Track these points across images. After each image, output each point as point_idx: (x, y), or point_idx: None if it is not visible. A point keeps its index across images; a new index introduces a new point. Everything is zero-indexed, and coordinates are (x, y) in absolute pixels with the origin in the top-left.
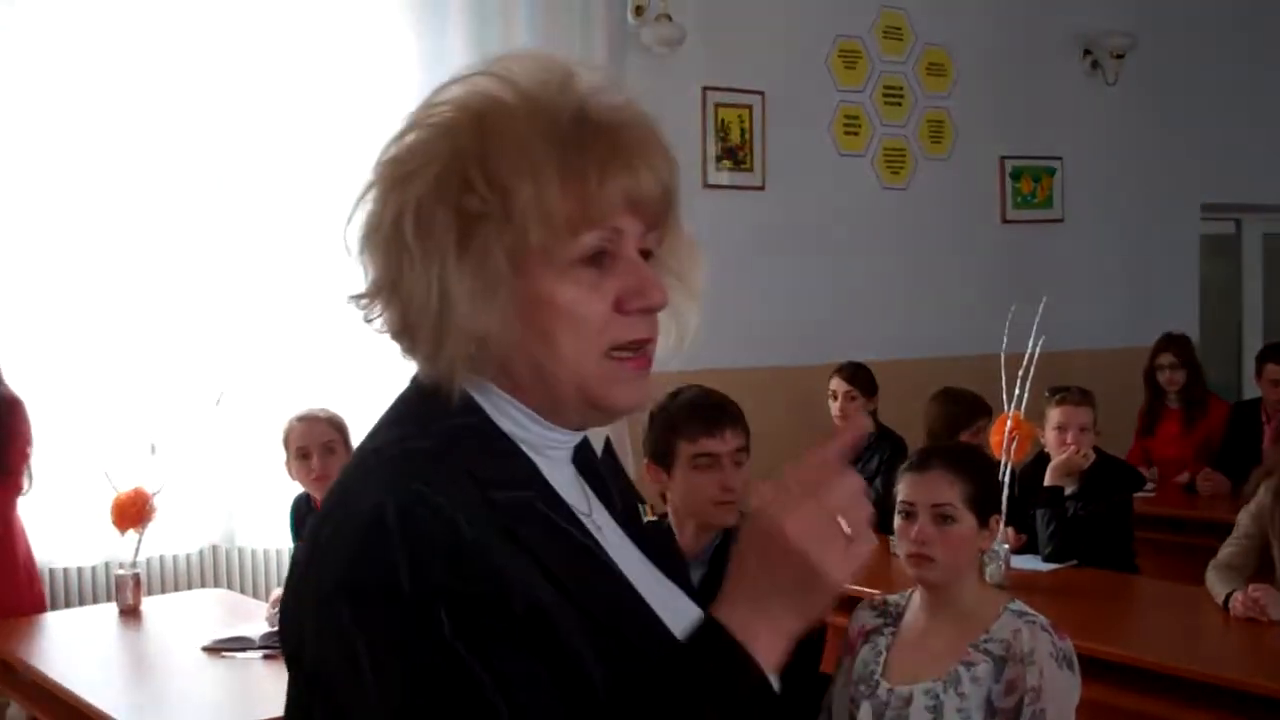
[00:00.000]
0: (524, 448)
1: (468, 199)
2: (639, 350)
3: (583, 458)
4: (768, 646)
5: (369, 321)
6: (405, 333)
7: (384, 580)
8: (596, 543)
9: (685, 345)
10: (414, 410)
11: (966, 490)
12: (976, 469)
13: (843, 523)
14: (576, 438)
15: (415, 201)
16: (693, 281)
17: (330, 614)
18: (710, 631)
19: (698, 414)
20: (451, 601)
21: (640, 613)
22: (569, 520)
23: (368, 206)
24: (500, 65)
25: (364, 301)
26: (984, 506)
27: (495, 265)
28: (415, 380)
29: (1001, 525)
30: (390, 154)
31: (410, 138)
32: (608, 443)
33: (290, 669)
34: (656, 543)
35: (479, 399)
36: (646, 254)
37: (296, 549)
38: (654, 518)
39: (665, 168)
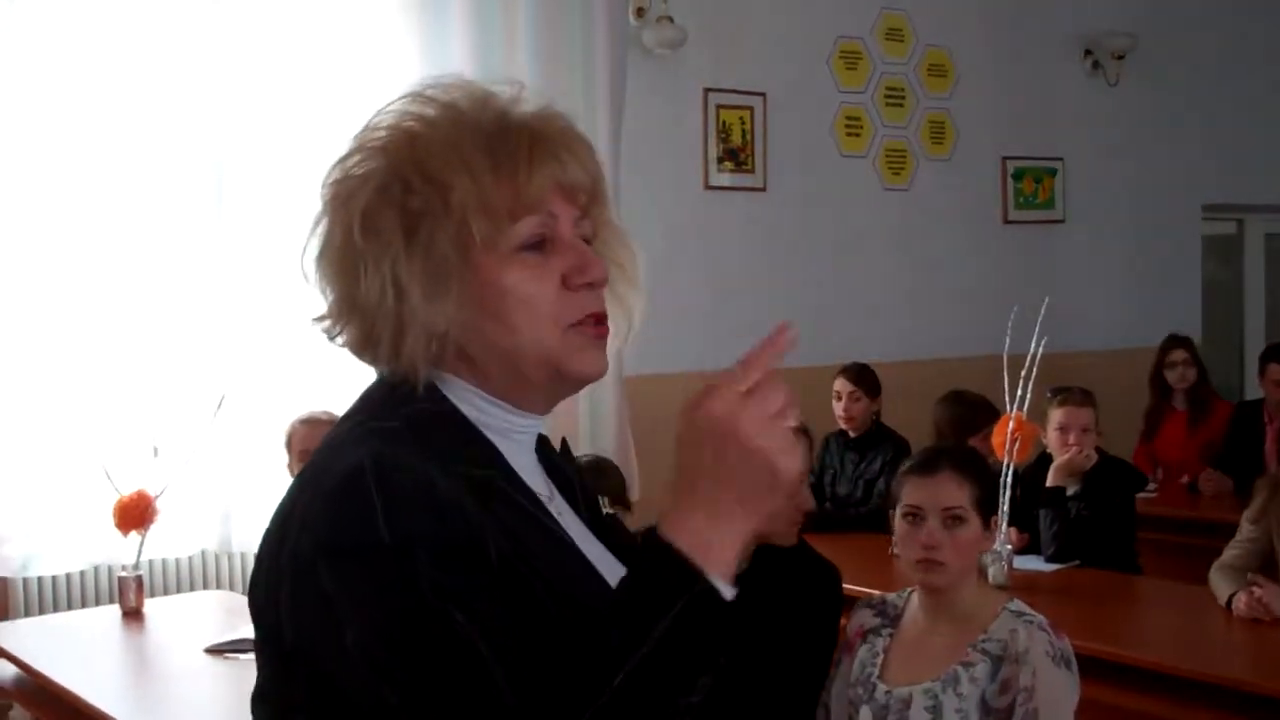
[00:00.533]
0: (486, 433)
1: (409, 199)
2: (597, 322)
3: (544, 452)
4: (720, 554)
5: (332, 340)
6: (368, 343)
7: (361, 535)
8: (556, 522)
9: (636, 330)
10: (379, 400)
11: (975, 492)
12: (981, 470)
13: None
14: (540, 424)
15: (360, 212)
16: (632, 270)
17: (309, 580)
18: (654, 546)
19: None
20: (430, 547)
21: (591, 579)
22: (530, 500)
23: (318, 234)
24: (420, 88)
25: (327, 322)
26: (988, 508)
27: (443, 255)
28: (379, 376)
29: (1003, 526)
30: (333, 178)
31: (350, 160)
32: (564, 443)
33: (266, 649)
34: (614, 533)
35: (442, 388)
36: (586, 242)
37: (267, 530)
38: (610, 511)
39: (588, 156)
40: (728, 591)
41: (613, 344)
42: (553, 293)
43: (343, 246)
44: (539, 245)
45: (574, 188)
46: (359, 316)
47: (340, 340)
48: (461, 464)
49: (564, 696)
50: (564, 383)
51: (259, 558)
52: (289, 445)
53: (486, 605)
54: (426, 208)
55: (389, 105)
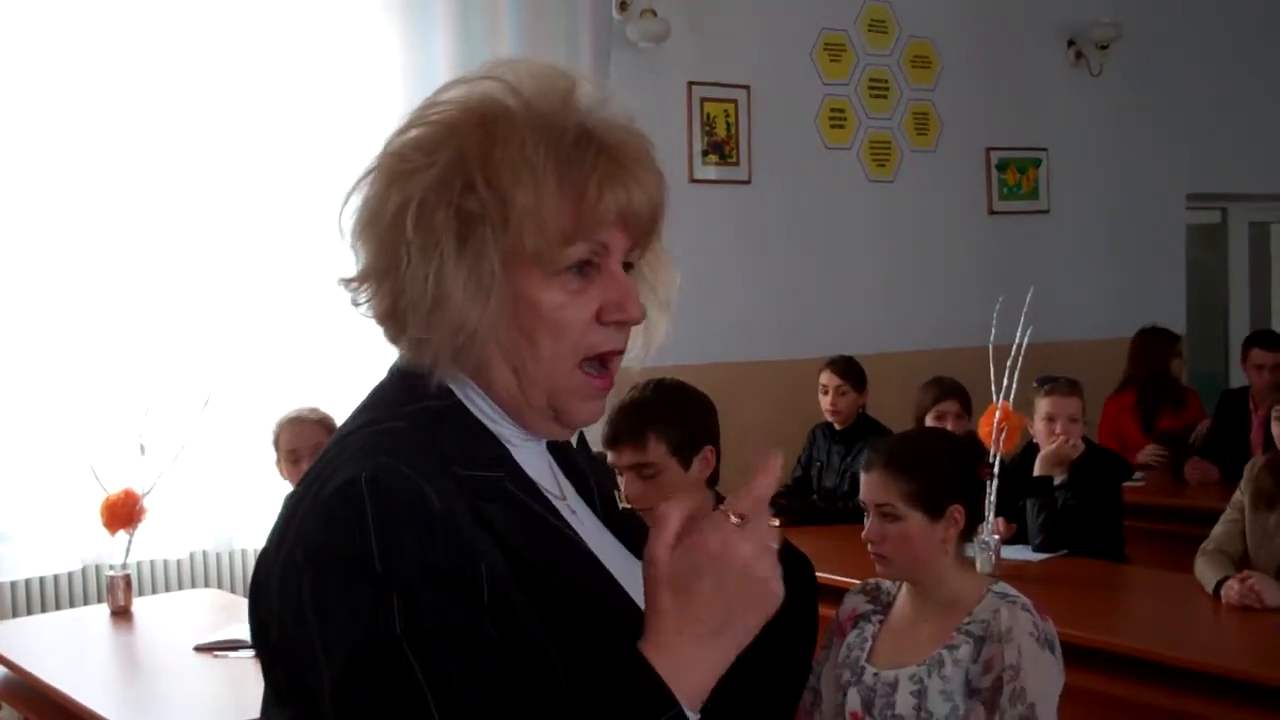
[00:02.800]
0: (493, 430)
1: (468, 199)
2: (605, 367)
3: (557, 447)
4: (697, 681)
5: (356, 305)
6: (393, 319)
7: (350, 553)
8: (566, 523)
9: (650, 353)
10: (388, 396)
11: (905, 488)
12: (919, 464)
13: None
14: (535, 441)
15: (418, 197)
16: (665, 292)
17: (295, 586)
18: (633, 663)
19: (606, 426)
20: (417, 578)
21: (606, 588)
22: (539, 502)
23: (365, 193)
24: (504, 70)
25: (354, 285)
26: (932, 500)
27: (490, 266)
28: (392, 369)
29: (991, 515)
30: (394, 148)
31: (413, 133)
32: (581, 437)
33: (256, 643)
34: (631, 530)
35: (453, 387)
36: (628, 266)
37: (274, 524)
38: (628, 506)
39: (657, 187)
40: (693, 719)
41: (629, 355)
42: (584, 322)
43: (390, 224)
44: (582, 268)
45: (635, 218)
46: (390, 291)
47: (364, 308)
48: (468, 466)
49: None
50: (556, 421)
51: (261, 552)
52: (276, 444)
53: (452, 657)
54: (484, 213)
55: (467, 77)
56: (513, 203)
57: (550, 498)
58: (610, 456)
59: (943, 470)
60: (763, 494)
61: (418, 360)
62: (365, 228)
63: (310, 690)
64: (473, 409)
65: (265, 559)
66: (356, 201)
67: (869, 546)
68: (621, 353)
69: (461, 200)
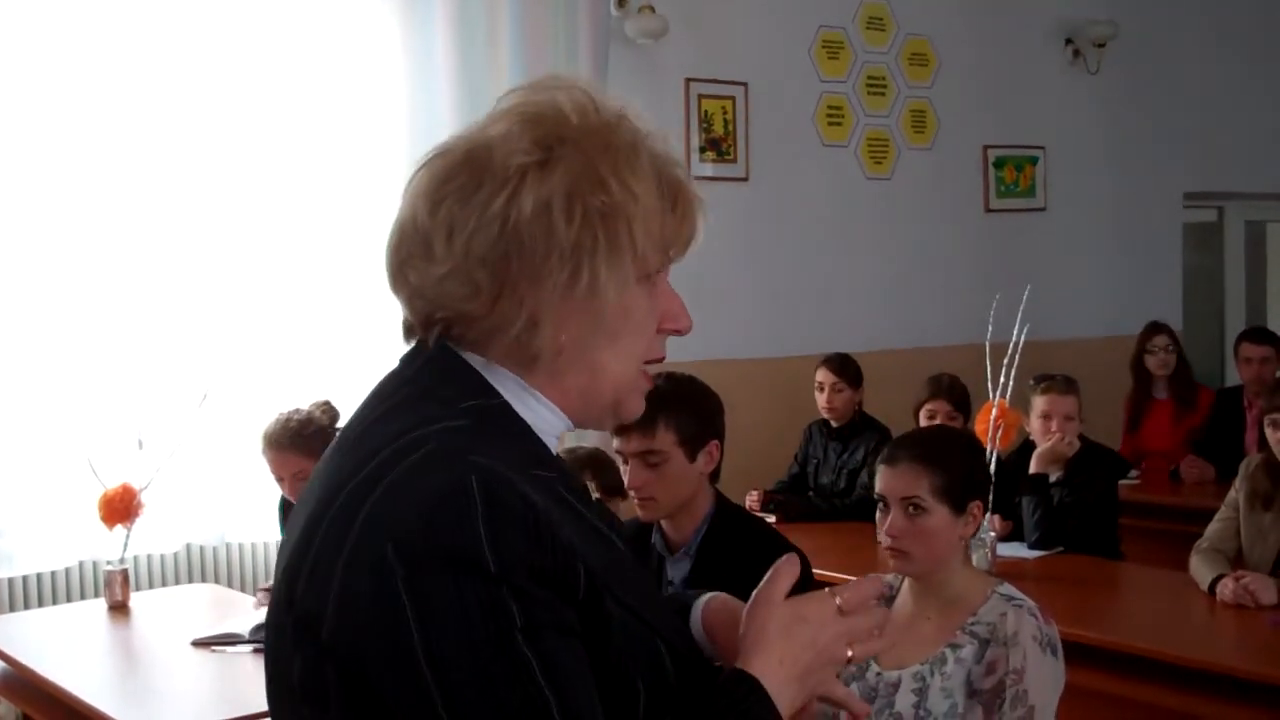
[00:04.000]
0: (537, 433)
1: (597, 197)
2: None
3: None
4: (784, 711)
5: (441, 300)
6: (478, 320)
7: (463, 553)
8: (601, 522)
9: None
10: (435, 392)
11: (936, 481)
12: (948, 458)
13: (849, 649)
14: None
15: (564, 193)
16: None
17: (379, 581)
18: (747, 683)
19: None
20: (526, 579)
21: (650, 590)
22: (583, 503)
23: (486, 204)
24: (585, 88)
25: (484, 306)
26: (958, 494)
27: (625, 263)
28: (432, 358)
29: (988, 511)
30: (521, 145)
31: (529, 137)
32: None
33: (299, 638)
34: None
35: (494, 383)
36: None
37: (315, 517)
38: (597, 496)
39: (703, 226)
40: None
41: None
42: (653, 330)
43: (530, 221)
44: (647, 279)
45: (692, 246)
46: (526, 300)
47: (468, 306)
48: (531, 465)
49: None
50: (613, 414)
51: (302, 546)
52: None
53: (564, 653)
54: (613, 211)
55: (528, 86)
56: (639, 202)
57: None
58: (616, 443)
59: (967, 465)
60: (867, 596)
61: (528, 353)
62: (504, 229)
63: (375, 689)
64: (519, 408)
65: (316, 556)
66: (466, 218)
67: (888, 541)
68: (663, 359)
69: (591, 198)
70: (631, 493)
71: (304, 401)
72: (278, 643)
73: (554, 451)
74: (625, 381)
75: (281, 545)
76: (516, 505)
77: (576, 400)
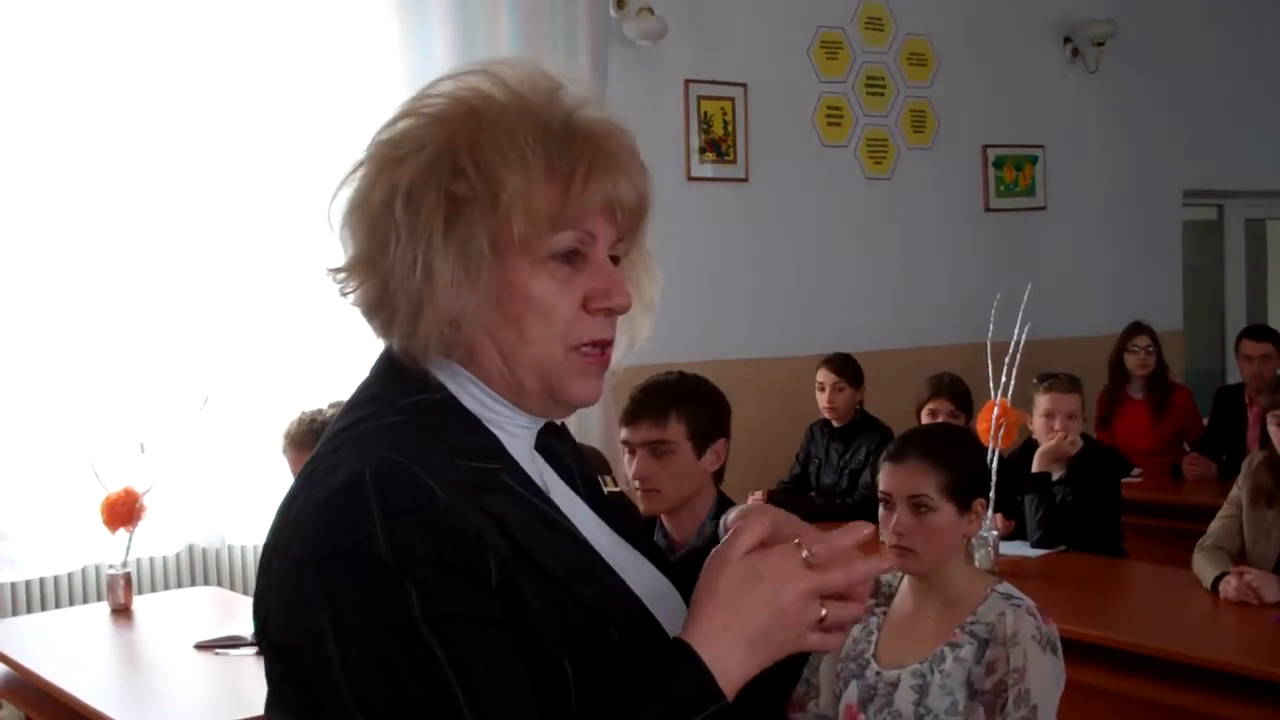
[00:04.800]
0: (487, 424)
1: (457, 184)
2: (602, 351)
3: (541, 440)
4: (737, 676)
5: (344, 295)
6: (381, 308)
7: (357, 547)
8: (561, 514)
9: (634, 350)
10: (380, 390)
11: (942, 479)
12: (954, 456)
13: (823, 607)
14: (539, 423)
15: (406, 182)
16: (649, 293)
17: (297, 582)
18: (682, 654)
19: (629, 402)
20: (427, 569)
21: (602, 573)
22: (533, 492)
23: (355, 184)
24: (492, 66)
25: (342, 275)
26: (963, 492)
27: (478, 249)
28: (380, 363)
29: (990, 510)
30: (383, 137)
31: (403, 124)
32: (562, 427)
33: (260, 641)
34: (619, 514)
35: (443, 378)
36: (614, 260)
37: (272, 524)
38: (615, 489)
39: (643, 180)
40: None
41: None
42: (571, 310)
43: (379, 210)
44: (570, 258)
45: (622, 209)
46: (378, 280)
47: (352, 298)
48: (467, 457)
49: None
50: (556, 402)
51: (263, 548)
52: (283, 450)
53: (471, 640)
54: (473, 197)
55: (454, 73)
56: (501, 185)
57: (541, 488)
58: (624, 433)
59: (970, 463)
60: (841, 548)
61: (408, 351)
62: (353, 215)
63: (314, 687)
64: (466, 400)
65: (265, 557)
66: (346, 193)
67: (894, 540)
68: (610, 343)
69: (450, 184)
70: (635, 484)
71: (306, 404)
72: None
73: (529, 444)
74: (548, 364)
75: None
76: (413, 497)
77: (505, 387)
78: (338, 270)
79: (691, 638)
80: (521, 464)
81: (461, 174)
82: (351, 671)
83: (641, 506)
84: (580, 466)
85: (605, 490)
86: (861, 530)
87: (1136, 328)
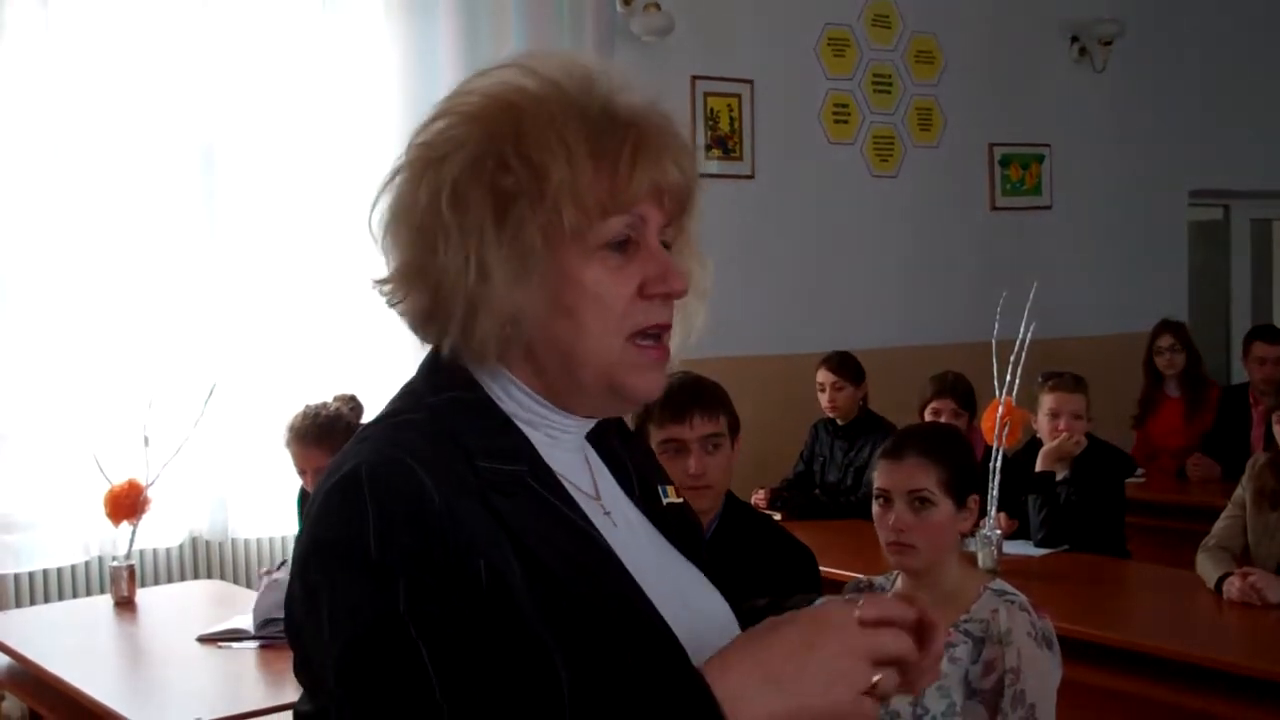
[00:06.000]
0: (521, 425)
1: (503, 178)
2: (659, 339)
3: (600, 442)
4: (750, 714)
5: (393, 306)
6: (435, 314)
7: (349, 543)
8: (590, 522)
9: (691, 341)
10: (415, 389)
11: (942, 475)
12: (951, 452)
13: (875, 674)
14: (587, 424)
15: (450, 181)
16: (700, 281)
17: (304, 570)
18: (692, 680)
19: (669, 401)
20: (415, 566)
21: (618, 581)
22: (560, 497)
23: (395, 190)
24: (523, 59)
25: (389, 286)
26: (960, 488)
27: (530, 242)
28: (427, 359)
29: (993, 509)
30: (420, 140)
31: (440, 124)
32: (622, 424)
33: (288, 631)
34: (678, 525)
35: (482, 377)
36: (665, 247)
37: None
38: (677, 500)
39: (688, 162)
40: None
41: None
42: (627, 297)
43: (426, 212)
44: (622, 246)
45: (669, 192)
46: (429, 286)
47: (401, 308)
48: (488, 458)
49: None
50: (616, 396)
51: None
52: (287, 445)
53: (454, 640)
54: (520, 189)
55: (485, 70)
56: (548, 176)
57: (576, 494)
58: (671, 430)
59: (966, 459)
60: (895, 616)
61: (463, 356)
62: (398, 221)
63: (315, 674)
64: (504, 401)
65: (295, 548)
66: (386, 201)
67: (894, 536)
68: (669, 327)
69: (496, 179)
70: (690, 481)
71: (310, 397)
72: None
73: (572, 446)
74: (608, 357)
75: None
76: (407, 495)
77: (561, 385)
78: (384, 281)
79: (710, 669)
80: (556, 467)
81: (506, 168)
82: (340, 662)
83: (694, 505)
84: (644, 473)
85: (665, 501)
86: (915, 606)
87: (1161, 327)
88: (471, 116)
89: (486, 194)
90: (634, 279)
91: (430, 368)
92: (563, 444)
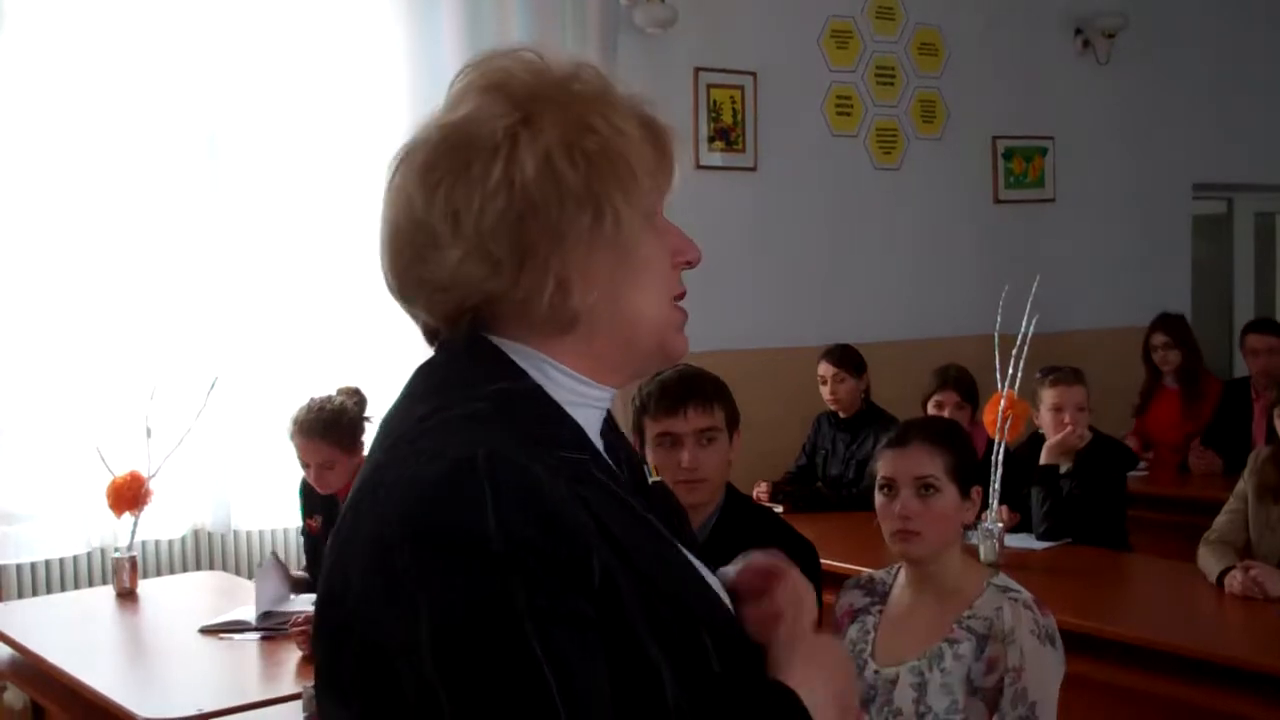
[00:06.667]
0: (570, 411)
1: (586, 140)
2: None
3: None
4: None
5: (440, 293)
6: (509, 293)
7: (467, 533)
8: (642, 505)
9: None
10: (456, 376)
11: (948, 461)
12: (954, 441)
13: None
14: (611, 396)
15: (559, 142)
16: None
17: (390, 561)
18: (784, 697)
19: (664, 393)
20: (535, 563)
21: (686, 570)
22: (619, 484)
23: (464, 180)
24: (511, 51)
25: (473, 272)
26: (965, 477)
27: (612, 212)
28: (458, 355)
29: (996, 502)
30: (470, 115)
31: (485, 108)
32: (609, 415)
33: (320, 634)
34: (662, 504)
35: (521, 363)
36: None
37: (343, 510)
38: (656, 479)
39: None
40: None
41: None
42: (669, 265)
43: (538, 177)
44: (653, 217)
45: (673, 186)
46: (511, 270)
47: (464, 292)
48: (562, 447)
49: None
50: (659, 356)
51: (332, 536)
52: (290, 438)
53: (571, 641)
54: (597, 160)
55: (493, 51)
56: (628, 135)
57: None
58: (666, 424)
59: (968, 450)
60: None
61: (505, 339)
62: (481, 208)
63: (390, 676)
64: (550, 387)
65: (339, 544)
66: (454, 191)
67: (900, 524)
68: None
69: (582, 142)
70: (684, 474)
71: (313, 389)
72: (314, 637)
73: (601, 423)
74: (663, 319)
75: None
76: (526, 488)
77: (619, 355)
78: (509, 282)
79: (792, 684)
80: (601, 451)
81: (592, 129)
82: (445, 656)
83: (687, 498)
84: (629, 453)
85: (650, 480)
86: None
87: (1156, 324)
88: (509, 90)
89: (592, 154)
90: (668, 248)
91: (468, 357)
92: (592, 426)
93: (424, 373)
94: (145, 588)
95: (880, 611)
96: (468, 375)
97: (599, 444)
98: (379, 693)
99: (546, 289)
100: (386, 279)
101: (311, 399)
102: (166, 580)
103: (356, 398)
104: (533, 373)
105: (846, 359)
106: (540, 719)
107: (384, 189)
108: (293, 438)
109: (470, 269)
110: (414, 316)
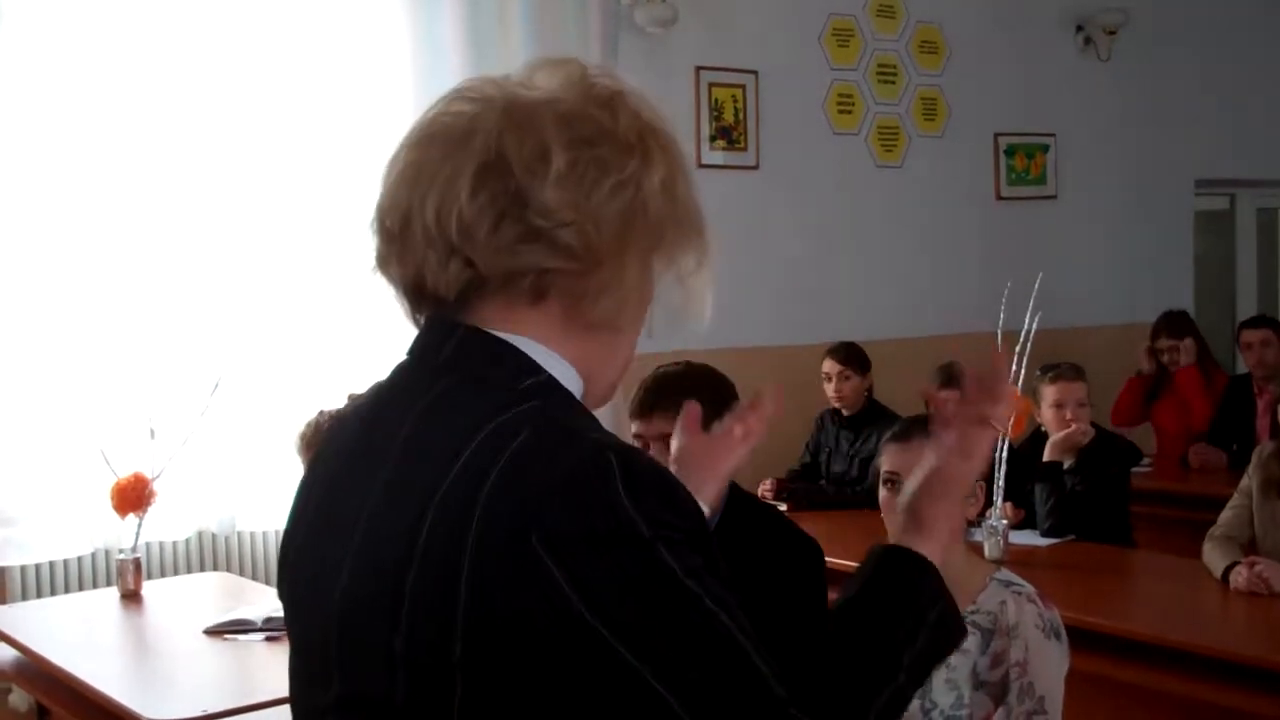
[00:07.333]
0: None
1: (685, 182)
2: None
3: None
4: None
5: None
6: (591, 293)
7: (614, 525)
8: None
9: None
10: (484, 378)
11: None
12: None
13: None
14: None
15: (681, 170)
16: None
17: (533, 574)
18: (912, 560)
19: (639, 395)
20: (680, 539)
21: None
22: None
23: (623, 184)
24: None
25: (572, 264)
26: None
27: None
28: (465, 346)
29: (1000, 499)
30: (628, 114)
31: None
32: None
33: (413, 660)
34: None
35: (535, 359)
36: None
37: (415, 526)
38: None
39: None
40: None
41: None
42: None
43: (660, 192)
44: None
45: None
46: (616, 260)
47: (569, 263)
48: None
49: (840, 686)
50: (608, 397)
51: (396, 569)
52: (304, 443)
53: (726, 588)
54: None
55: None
56: (676, 174)
57: None
58: (637, 426)
59: None
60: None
61: (532, 335)
62: (631, 199)
63: (568, 671)
64: (561, 378)
65: (431, 571)
66: (601, 170)
67: None
68: None
69: (685, 181)
70: None
71: (316, 391)
72: (366, 672)
73: None
74: (625, 367)
75: (313, 578)
76: (654, 473)
77: (594, 373)
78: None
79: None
80: None
81: (684, 178)
82: (642, 647)
83: None
84: None
85: None
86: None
87: (1159, 326)
88: (649, 130)
89: (691, 193)
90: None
91: (483, 353)
92: None
93: (428, 375)
94: (149, 589)
95: None
96: (493, 372)
97: None
98: (507, 669)
99: (607, 289)
100: (434, 212)
101: (320, 412)
102: (171, 581)
103: None
104: (548, 367)
105: (853, 356)
106: (728, 655)
107: (482, 121)
108: (300, 453)
109: (567, 237)
110: (406, 272)
